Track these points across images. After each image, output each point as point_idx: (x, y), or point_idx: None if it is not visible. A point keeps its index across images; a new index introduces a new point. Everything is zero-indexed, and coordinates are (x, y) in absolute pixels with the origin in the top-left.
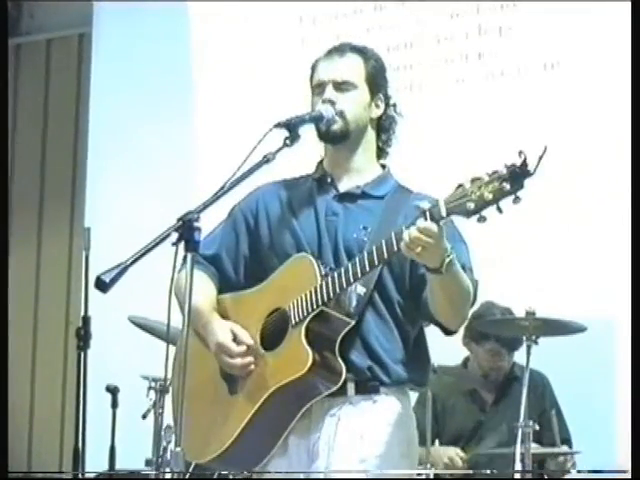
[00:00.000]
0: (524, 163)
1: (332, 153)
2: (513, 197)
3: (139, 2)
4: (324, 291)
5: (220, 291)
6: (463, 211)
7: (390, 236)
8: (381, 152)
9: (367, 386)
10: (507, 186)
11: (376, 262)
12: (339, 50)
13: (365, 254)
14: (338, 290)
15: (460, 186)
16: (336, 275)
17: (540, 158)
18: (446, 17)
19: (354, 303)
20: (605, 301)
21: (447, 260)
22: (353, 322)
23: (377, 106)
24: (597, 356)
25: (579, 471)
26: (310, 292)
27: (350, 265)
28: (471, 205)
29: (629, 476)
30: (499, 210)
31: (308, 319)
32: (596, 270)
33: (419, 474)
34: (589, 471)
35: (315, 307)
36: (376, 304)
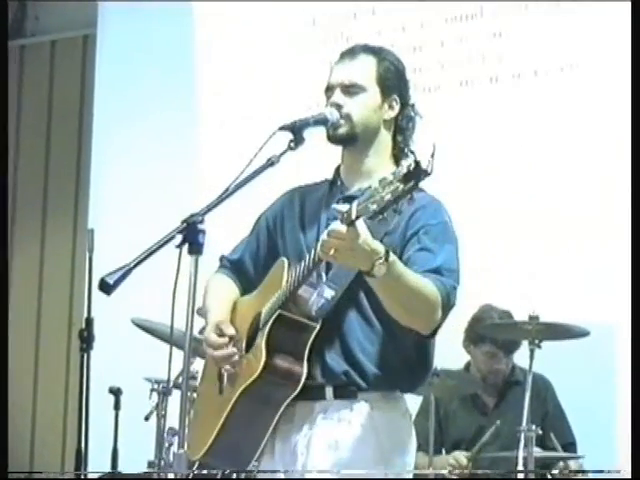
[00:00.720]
0: (416, 164)
1: (345, 157)
2: (408, 197)
3: (143, 4)
4: (283, 294)
5: (244, 293)
6: (368, 212)
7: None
8: (400, 153)
9: (346, 391)
10: (401, 186)
11: (311, 264)
12: (351, 52)
13: (308, 255)
14: (289, 294)
15: (370, 187)
16: (290, 277)
17: (432, 156)
18: (452, 20)
19: (316, 307)
20: (606, 305)
21: (378, 262)
22: (318, 325)
23: (391, 107)
24: (598, 360)
25: (577, 471)
26: (276, 295)
27: (298, 267)
28: (374, 206)
29: (628, 476)
30: (395, 211)
31: (270, 322)
32: (597, 274)
33: (416, 475)
34: (589, 471)
35: (276, 310)
36: (362, 307)
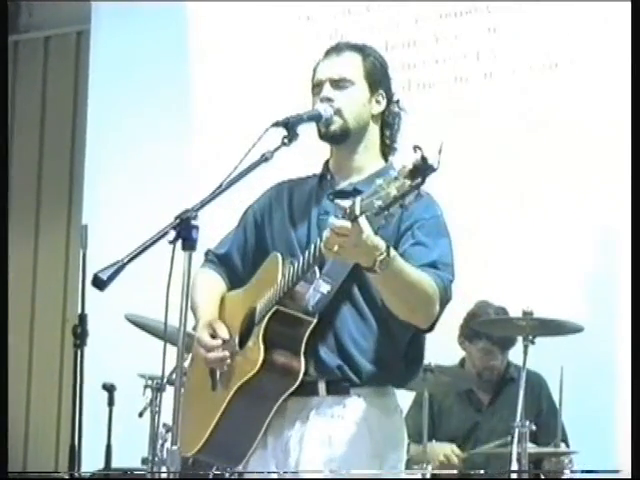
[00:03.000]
0: (423, 160)
1: (335, 152)
2: (415, 193)
3: (137, 0)
4: (280, 289)
5: (232, 288)
6: (373, 208)
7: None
8: (387, 148)
9: (339, 386)
10: (408, 182)
11: (311, 260)
12: (337, 49)
13: (307, 251)
14: (286, 289)
15: (374, 183)
16: (287, 272)
17: (439, 152)
18: (446, 16)
19: (313, 302)
20: (604, 301)
21: (380, 258)
22: (314, 320)
23: (378, 102)
24: (596, 356)
25: (573, 471)
26: (272, 291)
27: (296, 263)
28: (379, 202)
29: (629, 476)
30: (401, 207)
31: (266, 318)
32: (595, 270)
33: (412, 474)
34: (584, 471)
35: (272, 306)
36: (356, 302)
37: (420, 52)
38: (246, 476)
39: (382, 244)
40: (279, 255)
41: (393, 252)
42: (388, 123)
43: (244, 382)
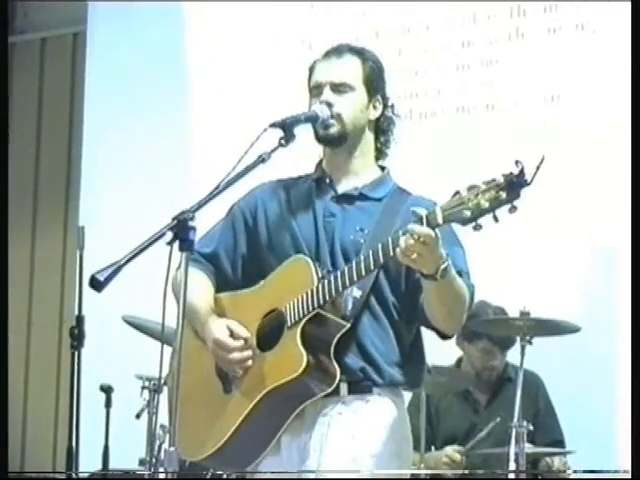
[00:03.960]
0: (521, 172)
1: (331, 155)
2: (509, 206)
3: (133, 2)
4: (320, 293)
5: (218, 289)
6: (459, 219)
7: (387, 240)
8: (380, 154)
9: (360, 386)
10: (504, 195)
11: (372, 266)
12: (337, 51)
13: (362, 257)
14: (334, 293)
15: (457, 193)
16: (332, 278)
17: (537, 168)
18: (449, 48)
19: (350, 306)
20: (601, 301)
21: (442, 267)
22: (348, 325)
23: (375, 107)
24: (594, 356)
25: (575, 471)
26: (307, 294)
27: (347, 268)
28: (467, 213)
29: (628, 476)
30: (495, 219)
31: (304, 321)
32: (593, 270)
33: (414, 474)
34: (585, 471)
35: (311, 309)
36: (372, 306)
37: (423, 82)
38: (247, 476)
39: (443, 252)
40: (308, 259)
41: (449, 260)
42: (383, 129)
43: (280, 384)
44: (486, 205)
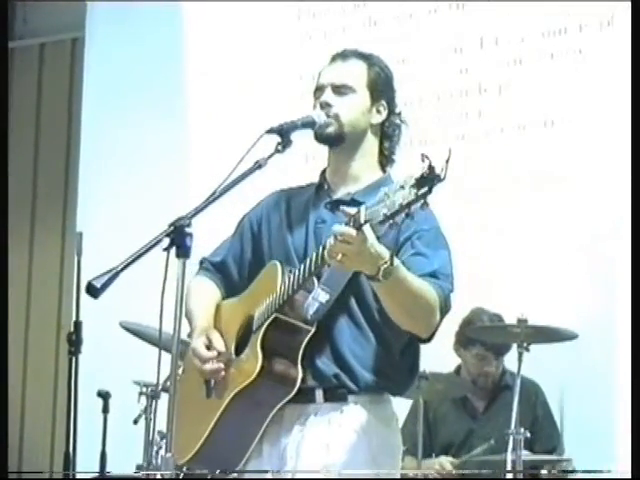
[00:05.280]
0: (430, 169)
1: (332, 159)
2: (421, 202)
3: (132, 7)
4: (279, 297)
5: (227, 296)
6: (378, 216)
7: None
8: (385, 159)
9: (336, 393)
10: (414, 191)
11: (313, 267)
12: (343, 55)
13: (307, 260)
14: (286, 296)
15: (380, 191)
16: (287, 280)
17: (447, 162)
18: (447, 75)
19: (312, 310)
20: (599, 308)
21: (383, 267)
22: (313, 329)
23: (379, 112)
24: (593, 363)
25: (572, 471)
26: (270, 298)
27: (297, 270)
28: (384, 210)
29: (629, 476)
30: (407, 216)
31: (265, 326)
32: (592, 276)
33: (404, 475)
34: (584, 471)
35: (271, 313)
36: (352, 311)
37: (421, 109)
38: (246, 476)
39: (386, 252)
40: (278, 263)
41: (396, 261)
42: (388, 134)
43: (240, 390)
44: (400, 201)
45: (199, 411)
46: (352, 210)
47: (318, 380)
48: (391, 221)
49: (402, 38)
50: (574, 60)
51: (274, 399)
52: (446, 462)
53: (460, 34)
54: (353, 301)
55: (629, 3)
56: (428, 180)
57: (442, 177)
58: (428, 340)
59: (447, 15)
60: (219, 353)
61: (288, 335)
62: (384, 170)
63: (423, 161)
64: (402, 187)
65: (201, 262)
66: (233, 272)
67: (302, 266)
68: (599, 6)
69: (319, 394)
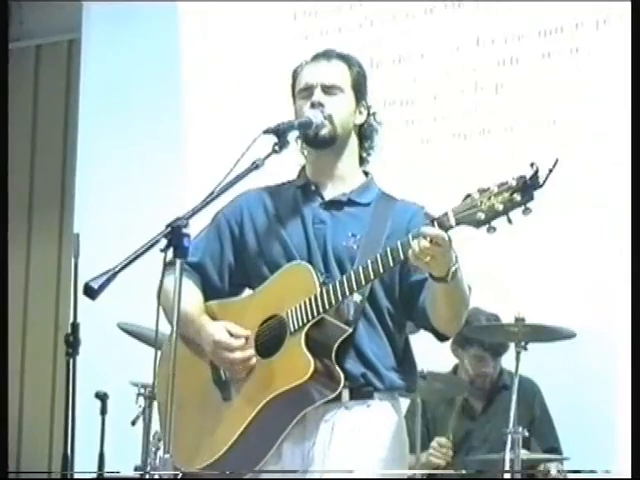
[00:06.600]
0: (535, 175)
1: (316, 159)
2: (523, 208)
3: (128, 8)
4: (325, 299)
5: (205, 298)
6: (473, 221)
7: (395, 244)
8: (362, 160)
9: (361, 392)
10: (518, 197)
11: (381, 270)
12: (326, 55)
13: (369, 263)
14: (340, 298)
15: (468, 196)
16: (338, 283)
17: (550, 171)
18: (445, 74)
19: (352, 311)
20: (597, 307)
21: (453, 269)
22: (350, 330)
23: (360, 112)
24: (591, 362)
25: (572, 471)
26: (310, 300)
27: (353, 273)
28: (481, 215)
29: (628, 476)
30: (509, 221)
31: (307, 326)
32: (591, 276)
33: (413, 475)
34: (585, 471)
35: (315, 314)
36: (367, 312)
37: (419, 109)
38: (267, 476)
39: (454, 255)
40: (308, 265)
41: (458, 263)
42: (366, 135)
43: (285, 390)
44: (500, 207)
45: (214, 415)
46: (434, 214)
47: (347, 380)
48: (487, 225)
49: (398, 38)
50: (570, 58)
51: (312, 400)
52: (441, 439)
53: (457, 33)
54: (367, 303)
55: (626, 2)
56: (530, 186)
57: (542, 184)
58: (449, 338)
59: (443, 14)
60: (247, 339)
61: (326, 336)
62: (364, 171)
63: (532, 167)
64: (499, 193)
65: (170, 262)
66: (212, 274)
67: (360, 268)
68: (595, 5)
69: (346, 393)
